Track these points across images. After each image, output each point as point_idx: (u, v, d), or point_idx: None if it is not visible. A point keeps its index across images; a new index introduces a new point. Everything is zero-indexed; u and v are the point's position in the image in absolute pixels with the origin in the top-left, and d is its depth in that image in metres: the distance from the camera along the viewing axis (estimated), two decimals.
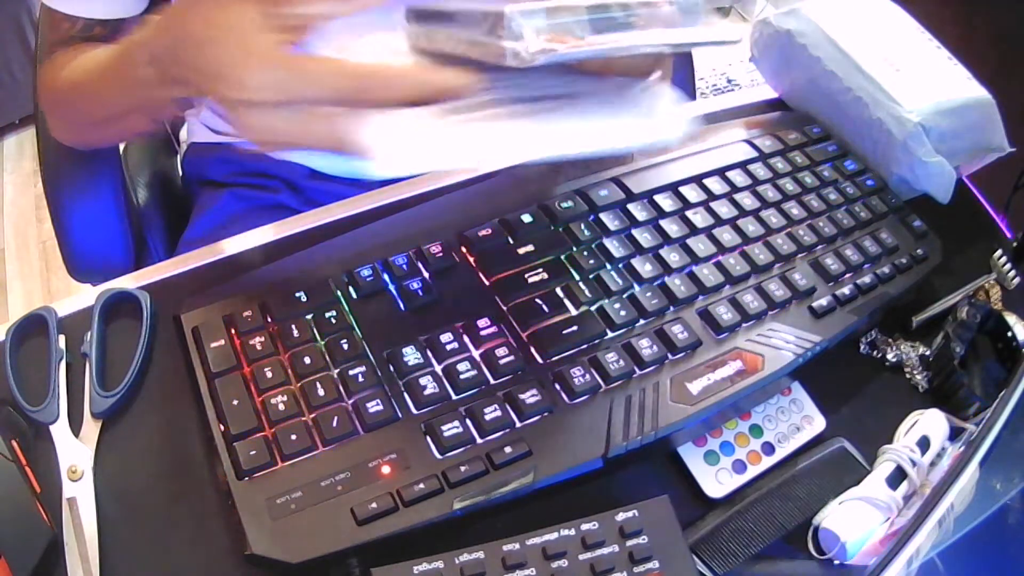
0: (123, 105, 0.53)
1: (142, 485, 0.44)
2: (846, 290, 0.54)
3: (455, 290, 0.49)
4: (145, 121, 0.55)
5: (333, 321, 0.46)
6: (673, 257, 0.53)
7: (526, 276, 0.49)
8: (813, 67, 0.66)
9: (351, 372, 0.44)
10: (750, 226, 0.56)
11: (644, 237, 0.53)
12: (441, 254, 0.50)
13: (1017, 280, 0.60)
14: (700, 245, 0.54)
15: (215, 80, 0.38)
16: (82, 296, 0.50)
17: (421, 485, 0.40)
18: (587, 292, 0.49)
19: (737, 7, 2.72)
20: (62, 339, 0.48)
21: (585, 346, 0.47)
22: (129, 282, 0.52)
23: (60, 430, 0.44)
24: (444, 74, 0.38)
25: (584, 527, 0.40)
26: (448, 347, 0.46)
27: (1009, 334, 0.56)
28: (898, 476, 0.48)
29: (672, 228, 0.54)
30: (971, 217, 0.70)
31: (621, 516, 0.41)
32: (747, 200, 0.58)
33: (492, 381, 0.45)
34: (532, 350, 0.47)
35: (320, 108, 0.37)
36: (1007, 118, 0.65)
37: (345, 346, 0.45)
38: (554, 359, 0.47)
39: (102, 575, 0.40)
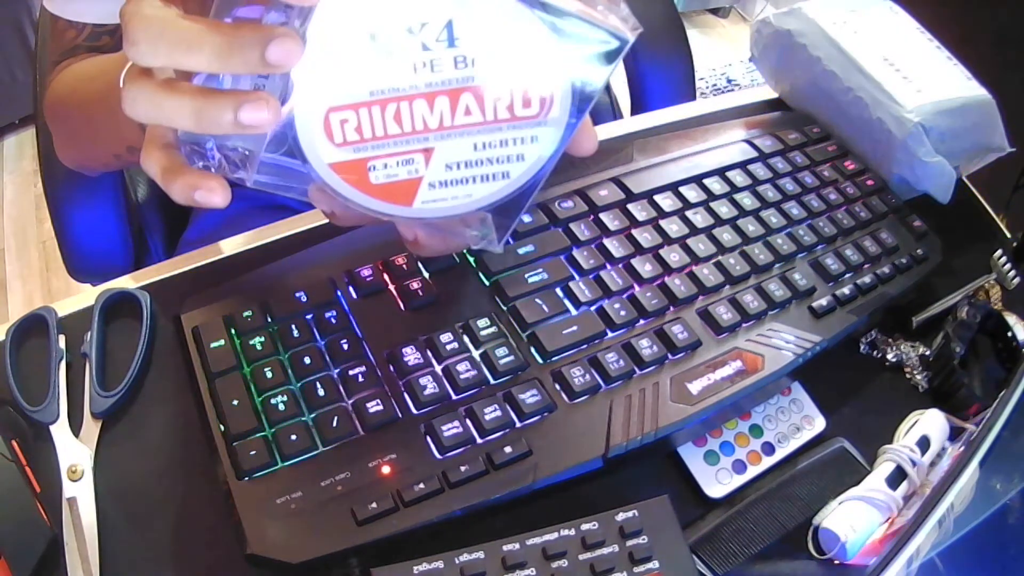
0: (110, 121, 0.49)
1: (142, 485, 0.44)
2: (846, 290, 0.54)
3: (455, 290, 0.49)
4: (122, 146, 0.50)
5: (333, 321, 0.46)
6: (673, 257, 0.53)
7: (526, 276, 0.49)
8: (813, 67, 0.66)
9: (351, 372, 0.44)
10: (750, 226, 0.56)
11: (644, 237, 0.53)
12: None
13: (1017, 280, 0.60)
14: (700, 245, 0.54)
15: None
16: (82, 296, 0.50)
17: (421, 485, 0.40)
18: (587, 292, 0.49)
19: (737, 7, 2.72)
20: (62, 339, 0.48)
21: (585, 346, 0.47)
22: (129, 282, 0.52)
23: (60, 430, 0.44)
24: None
25: (584, 527, 0.40)
26: (448, 347, 0.46)
27: (1009, 334, 0.56)
28: (898, 476, 0.48)
29: (672, 228, 0.54)
30: (971, 217, 0.70)
31: (621, 516, 0.41)
32: (747, 200, 0.58)
33: (492, 381, 0.45)
34: (531, 350, 0.47)
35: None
36: (1007, 118, 0.65)
37: (345, 346, 0.45)
38: (554, 359, 0.47)
39: (102, 575, 0.40)
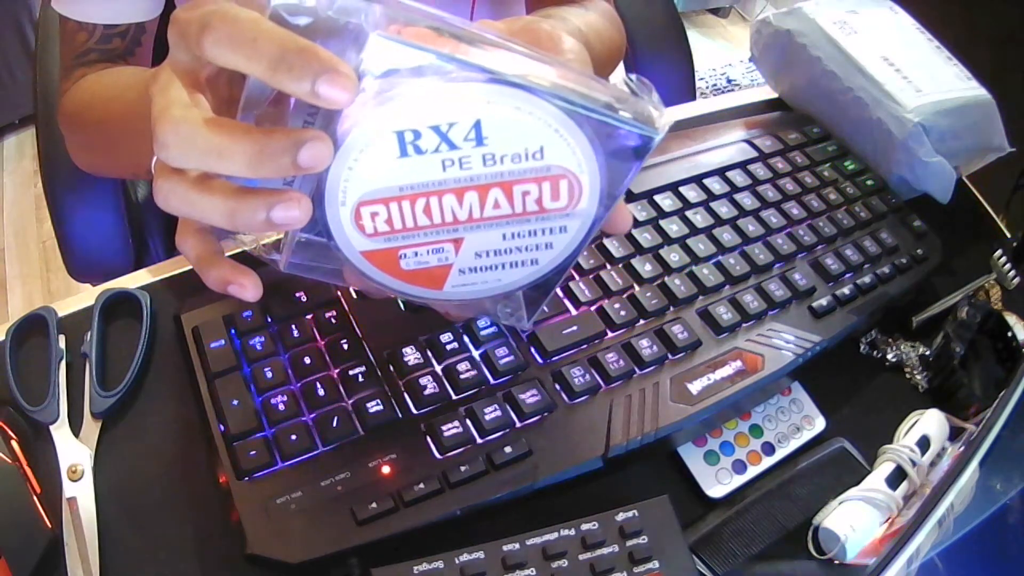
0: (128, 146, 0.49)
1: (142, 485, 0.44)
2: (846, 290, 0.54)
3: None
4: (142, 168, 0.48)
5: (333, 321, 0.46)
6: (673, 257, 0.53)
7: None
8: (813, 67, 0.66)
9: (351, 372, 0.44)
10: (750, 226, 0.56)
11: (644, 237, 0.53)
12: None
13: (1017, 280, 0.60)
14: (700, 245, 0.54)
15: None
16: (82, 296, 0.50)
17: (421, 485, 0.40)
18: (587, 292, 0.49)
19: (737, 7, 2.72)
20: (62, 339, 0.48)
21: (585, 346, 0.47)
22: (129, 282, 0.52)
23: (60, 430, 0.44)
24: None
25: (584, 527, 0.40)
26: (448, 347, 0.46)
27: (1009, 334, 0.56)
28: (898, 476, 0.48)
29: (672, 228, 0.54)
30: (971, 217, 0.70)
31: (621, 516, 0.41)
32: (747, 200, 0.58)
33: (492, 381, 0.45)
34: (532, 350, 0.47)
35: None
36: (1007, 118, 0.65)
37: (345, 346, 0.45)
38: (554, 359, 0.47)
39: (102, 575, 0.40)
